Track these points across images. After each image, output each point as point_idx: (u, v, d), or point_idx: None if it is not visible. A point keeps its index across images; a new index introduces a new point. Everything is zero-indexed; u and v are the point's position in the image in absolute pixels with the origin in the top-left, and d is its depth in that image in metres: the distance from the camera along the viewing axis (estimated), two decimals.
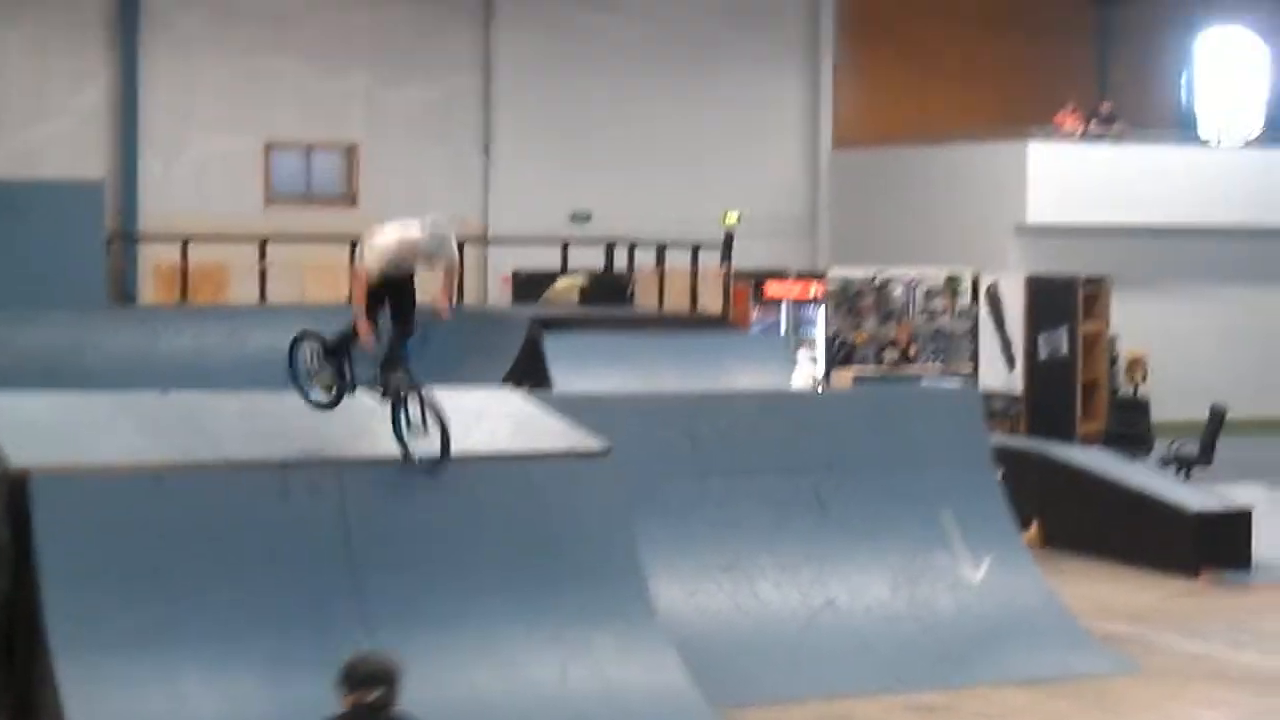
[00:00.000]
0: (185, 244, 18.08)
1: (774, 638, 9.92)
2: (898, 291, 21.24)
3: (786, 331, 20.31)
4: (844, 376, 20.15)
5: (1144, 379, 21.51)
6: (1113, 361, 21.48)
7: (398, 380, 8.40)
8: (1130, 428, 19.94)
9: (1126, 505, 14.40)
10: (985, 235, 22.42)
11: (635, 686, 9.22)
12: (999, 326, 21.02)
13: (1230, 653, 11.37)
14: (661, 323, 18.29)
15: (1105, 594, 13.00)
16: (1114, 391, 21.23)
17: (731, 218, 20.70)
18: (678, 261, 19.61)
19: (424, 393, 8.39)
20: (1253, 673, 10.88)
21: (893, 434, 11.95)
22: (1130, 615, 12.43)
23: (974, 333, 21.27)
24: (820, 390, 19.02)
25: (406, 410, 8.38)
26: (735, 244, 20.41)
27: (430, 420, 8.35)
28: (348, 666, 4.85)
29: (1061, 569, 12.82)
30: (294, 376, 8.81)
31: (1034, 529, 14.06)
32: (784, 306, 20.80)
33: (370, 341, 8.23)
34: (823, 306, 20.97)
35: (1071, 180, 22.22)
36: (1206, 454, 17.40)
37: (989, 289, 21.36)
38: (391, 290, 8.30)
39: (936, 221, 23.10)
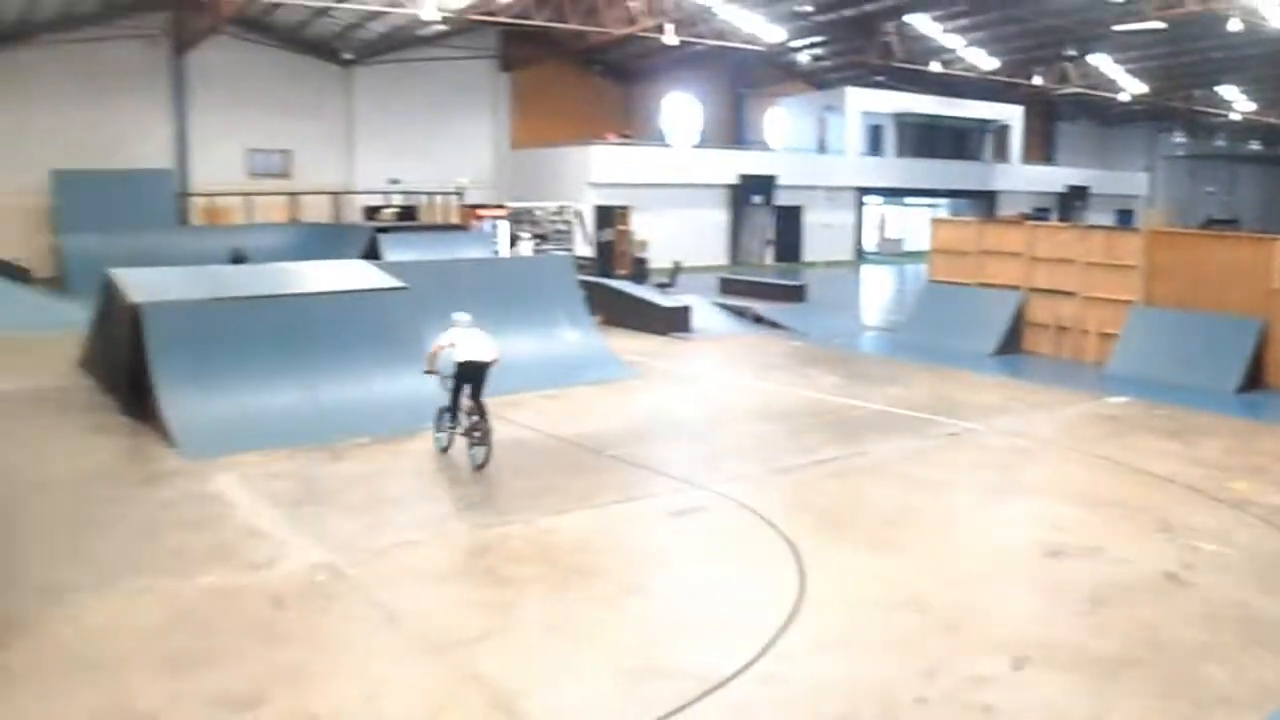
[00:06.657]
0: (212, 196, 25.41)
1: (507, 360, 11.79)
2: (538, 213, 30.22)
3: (490, 231, 28.55)
4: (525, 249, 28.05)
5: (646, 250, 30.22)
6: (633, 242, 29.61)
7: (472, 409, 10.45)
8: (640, 271, 28.94)
9: (637, 305, 19.88)
10: (576, 187, 34.14)
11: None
12: (583, 227, 31.39)
13: (679, 366, 16.00)
14: (434, 228, 25.58)
15: (628, 344, 17.13)
16: (635, 257, 29.57)
17: (463, 181, 30.64)
18: (440, 200, 28.24)
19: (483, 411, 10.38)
20: (687, 374, 15.58)
21: (538, 276, 16.34)
22: (638, 352, 16.79)
23: (571, 231, 30.16)
24: (509, 256, 25.71)
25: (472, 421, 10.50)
26: (465, 192, 30.19)
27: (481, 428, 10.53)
28: None
29: (611, 334, 17.32)
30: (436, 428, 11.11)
31: (600, 317, 17.57)
32: (488, 222, 29.39)
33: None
34: (505, 221, 29.37)
35: (612, 162, 34.42)
36: (671, 282, 25.07)
37: (577, 211, 30.58)
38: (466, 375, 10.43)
39: (556, 182, 34.52)
